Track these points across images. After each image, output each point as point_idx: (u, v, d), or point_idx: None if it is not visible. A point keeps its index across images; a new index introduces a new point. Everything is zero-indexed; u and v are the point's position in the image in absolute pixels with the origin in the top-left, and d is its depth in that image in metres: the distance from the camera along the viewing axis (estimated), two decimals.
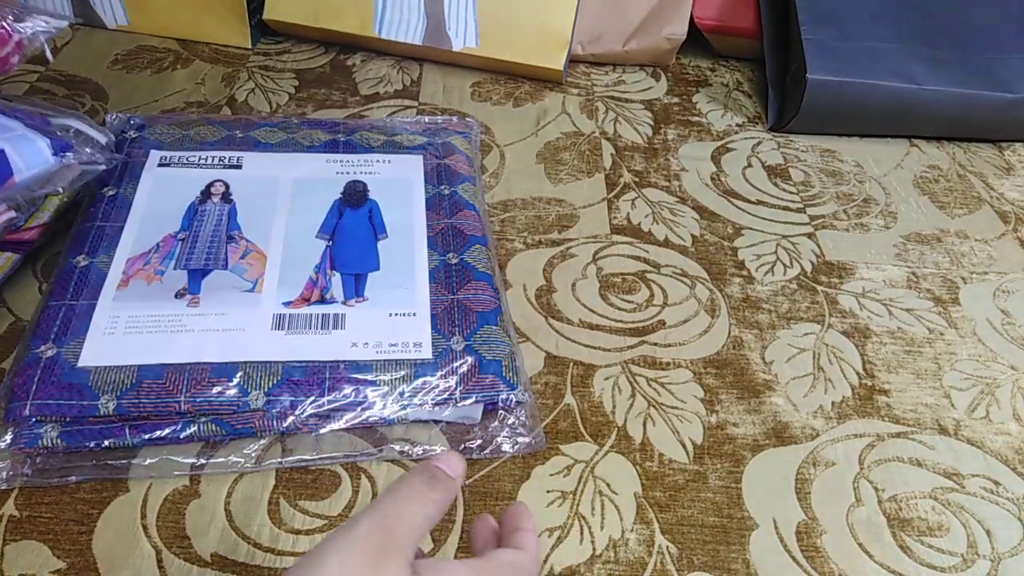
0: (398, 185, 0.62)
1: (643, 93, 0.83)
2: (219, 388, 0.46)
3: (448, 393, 0.48)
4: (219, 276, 0.53)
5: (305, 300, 0.52)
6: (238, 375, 0.47)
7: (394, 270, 0.55)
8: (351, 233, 0.57)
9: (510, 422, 0.49)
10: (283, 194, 0.59)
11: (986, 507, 0.48)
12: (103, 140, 0.56)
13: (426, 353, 0.50)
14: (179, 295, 0.51)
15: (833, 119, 0.78)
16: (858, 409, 0.53)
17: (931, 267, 0.65)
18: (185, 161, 0.61)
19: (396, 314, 0.52)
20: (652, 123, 0.78)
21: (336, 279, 0.54)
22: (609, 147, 0.74)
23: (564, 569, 0.43)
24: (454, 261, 0.56)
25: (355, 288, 0.53)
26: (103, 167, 0.55)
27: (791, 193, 0.71)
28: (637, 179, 0.71)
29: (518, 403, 0.49)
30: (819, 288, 0.62)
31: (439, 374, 0.49)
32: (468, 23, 0.79)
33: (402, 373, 0.49)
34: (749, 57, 0.88)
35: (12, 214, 0.51)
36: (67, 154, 0.51)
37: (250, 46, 0.83)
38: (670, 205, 0.68)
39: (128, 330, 0.48)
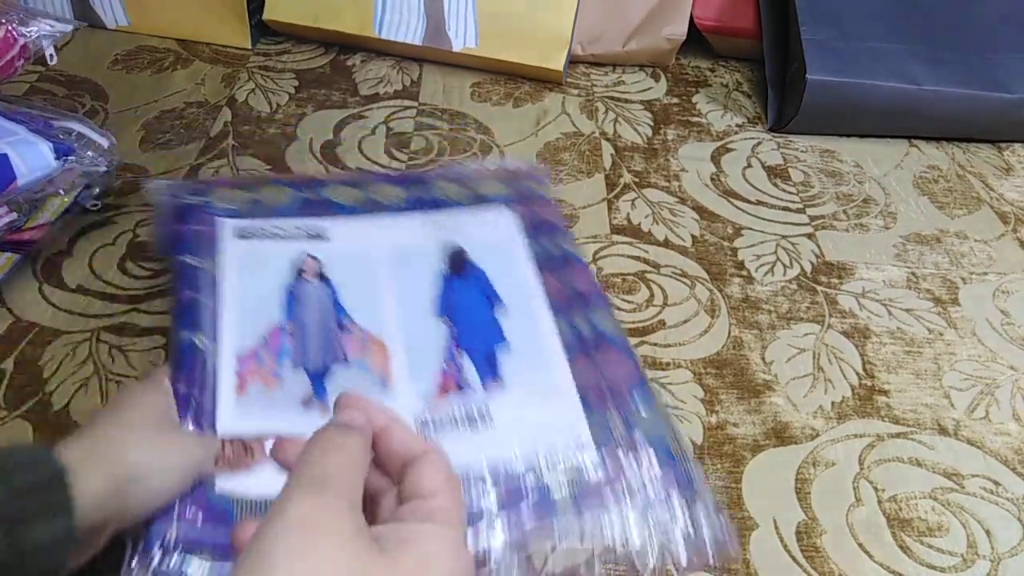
0: (499, 245, 0.55)
1: (643, 93, 0.83)
2: None
3: (611, 487, 0.41)
4: (342, 373, 0.46)
5: (443, 391, 0.46)
6: None
7: (522, 343, 0.49)
8: (468, 306, 0.51)
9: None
10: (383, 269, 0.53)
11: (986, 507, 0.48)
12: (105, 144, 0.56)
13: (586, 446, 0.43)
14: (306, 403, 0.45)
15: (833, 119, 0.78)
16: (858, 409, 0.53)
17: (931, 267, 0.65)
18: (266, 232, 0.53)
19: (538, 395, 0.46)
20: (652, 123, 0.78)
21: (466, 361, 0.48)
22: (609, 147, 0.74)
23: (564, 569, 0.43)
24: (584, 328, 0.50)
25: (488, 368, 0.47)
26: (104, 169, 0.55)
27: (791, 193, 0.71)
28: (637, 179, 0.71)
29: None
30: (819, 288, 0.62)
31: (603, 468, 0.42)
32: (468, 23, 0.79)
33: (565, 473, 0.41)
34: (749, 57, 0.88)
35: (13, 216, 0.51)
36: (69, 158, 0.51)
37: (250, 46, 0.83)
38: (670, 205, 0.68)
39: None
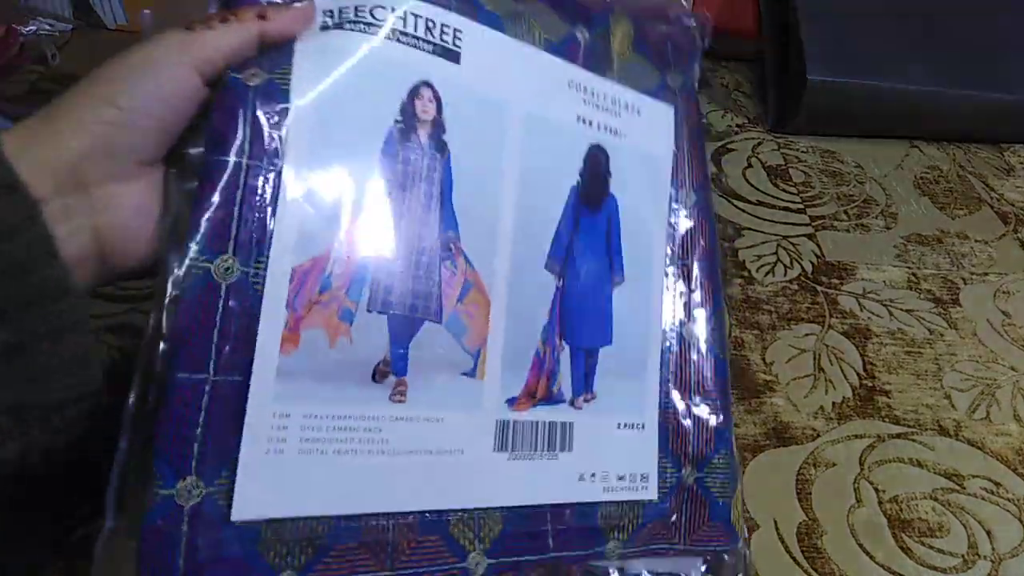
0: (643, 169, 0.40)
1: None
2: (427, 550, 0.32)
3: (668, 542, 0.37)
4: (431, 335, 0.33)
5: (530, 395, 0.35)
6: (451, 527, 0.32)
7: (626, 342, 0.38)
8: (586, 267, 0.38)
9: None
10: (510, 149, 0.35)
11: (987, 508, 0.48)
12: None
13: (652, 492, 0.37)
14: (378, 375, 0.31)
15: (833, 120, 0.78)
16: (858, 410, 0.53)
17: (931, 268, 0.65)
18: (368, 19, 0.32)
19: (624, 425, 0.38)
20: None
21: (564, 355, 0.36)
22: None
23: None
24: (689, 337, 0.40)
25: (585, 373, 0.37)
26: None
27: (791, 194, 0.71)
28: None
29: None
30: (819, 289, 0.62)
31: (666, 519, 0.37)
32: None
33: (626, 518, 0.37)
34: (749, 57, 0.88)
35: None
36: None
37: None
38: None
39: (305, 446, 0.29)
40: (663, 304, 0.40)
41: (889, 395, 0.54)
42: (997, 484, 0.49)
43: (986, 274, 0.65)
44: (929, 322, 0.60)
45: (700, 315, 0.40)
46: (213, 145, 0.29)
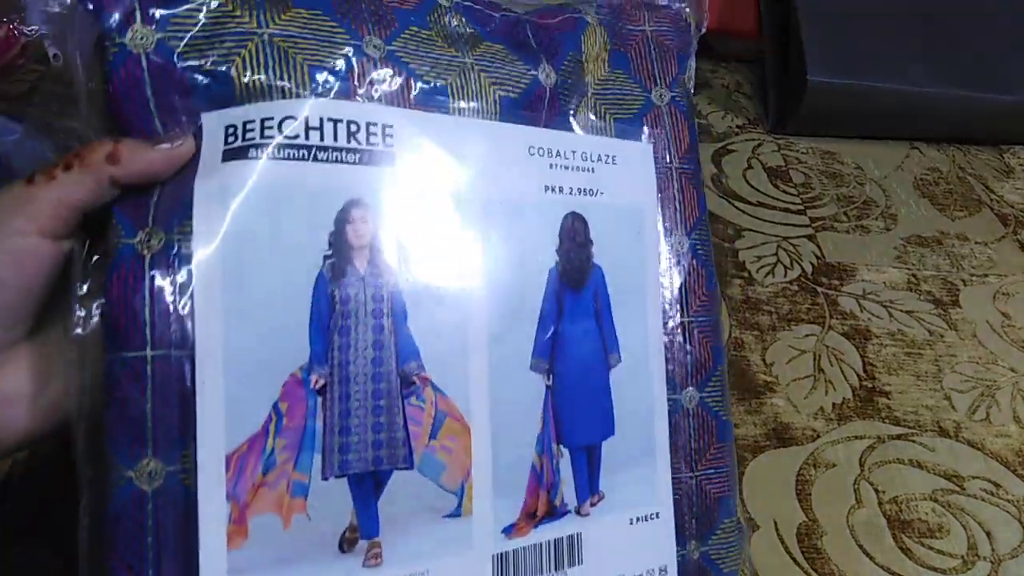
0: (626, 225, 0.35)
1: None
2: None
3: None
4: (403, 484, 0.29)
5: (530, 517, 0.31)
6: None
7: (631, 428, 0.34)
8: (577, 355, 0.33)
9: None
10: (471, 248, 0.31)
11: (986, 509, 0.48)
12: None
13: None
14: (346, 544, 0.28)
15: (833, 121, 0.78)
16: (858, 411, 0.53)
17: (931, 269, 0.65)
18: (276, 136, 0.28)
19: (638, 519, 0.34)
20: None
21: (564, 461, 0.32)
22: None
23: None
24: (691, 404, 0.36)
25: (588, 475, 0.33)
26: None
27: (791, 195, 0.71)
28: None
29: None
30: (819, 290, 0.62)
31: None
32: None
33: None
34: (749, 58, 0.88)
35: None
36: None
37: None
38: None
39: None
40: (664, 372, 0.35)
41: (889, 396, 0.54)
42: (997, 485, 0.49)
43: (986, 276, 0.65)
44: (929, 323, 0.60)
45: (702, 375, 0.36)
46: (110, 341, 0.25)
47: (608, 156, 0.35)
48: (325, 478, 0.27)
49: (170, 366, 0.25)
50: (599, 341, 0.34)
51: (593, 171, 0.34)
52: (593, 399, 0.33)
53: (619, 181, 0.35)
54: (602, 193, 0.35)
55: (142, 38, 0.26)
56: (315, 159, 0.28)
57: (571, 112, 0.35)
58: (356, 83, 0.29)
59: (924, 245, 0.68)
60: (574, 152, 0.34)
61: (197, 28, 0.27)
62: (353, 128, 0.29)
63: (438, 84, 0.31)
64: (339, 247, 0.28)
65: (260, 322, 0.27)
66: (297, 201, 0.28)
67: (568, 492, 0.32)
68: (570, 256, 0.33)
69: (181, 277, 0.26)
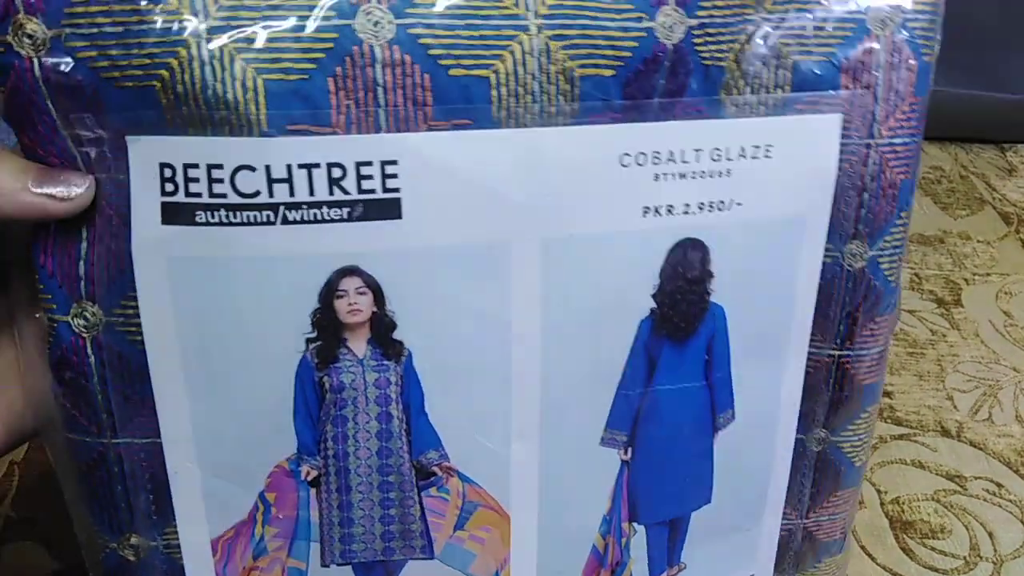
0: (775, 242, 0.26)
1: None
2: None
3: None
4: (420, 571, 0.26)
5: None
6: None
7: (735, 494, 0.28)
8: (671, 419, 0.27)
9: None
10: (519, 305, 0.23)
11: (989, 509, 0.47)
12: None
13: None
14: None
15: None
16: None
17: (933, 268, 0.65)
18: (232, 196, 0.21)
19: None
20: None
21: (637, 539, 0.27)
22: None
23: None
24: (818, 447, 0.29)
25: (668, 549, 0.28)
26: None
27: None
28: None
29: None
30: None
31: None
32: None
33: None
34: None
35: None
36: None
37: None
38: None
39: None
40: (796, 423, 0.28)
41: (891, 396, 0.54)
42: (999, 485, 0.49)
43: (988, 275, 0.65)
44: (931, 323, 0.60)
45: (843, 416, 0.29)
46: (68, 424, 0.23)
47: (760, 147, 0.24)
48: (325, 565, 0.25)
49: (135, 453, 0.23)
50: (705, 401, 0.26)
51: (729, 173, 0.24)
52: (686, 468, 0.27)
53: (770, 183, 0.24)
54: (738, 204, 0.24)
55: (30, 35, 0.20)
56: (285, 221, 0.21)
57: (706, 81, 0.23)
58: (340, 98, 0.21)
59: (926, 244, 0.68)
60: (699, 150, 0.23)
61: (108, 23, 0.20)
62: (336, 174, 0.21)
63: (473, 76, 0.21)
64: (327, 327, 0.22)
65: (235, 412, 0.23)
66: (265, 277, 0.22)
67: (638, 569, 0.28)
68: (674, 300, 0.25)
69: (133, 361, 0.22)
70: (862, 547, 0.45)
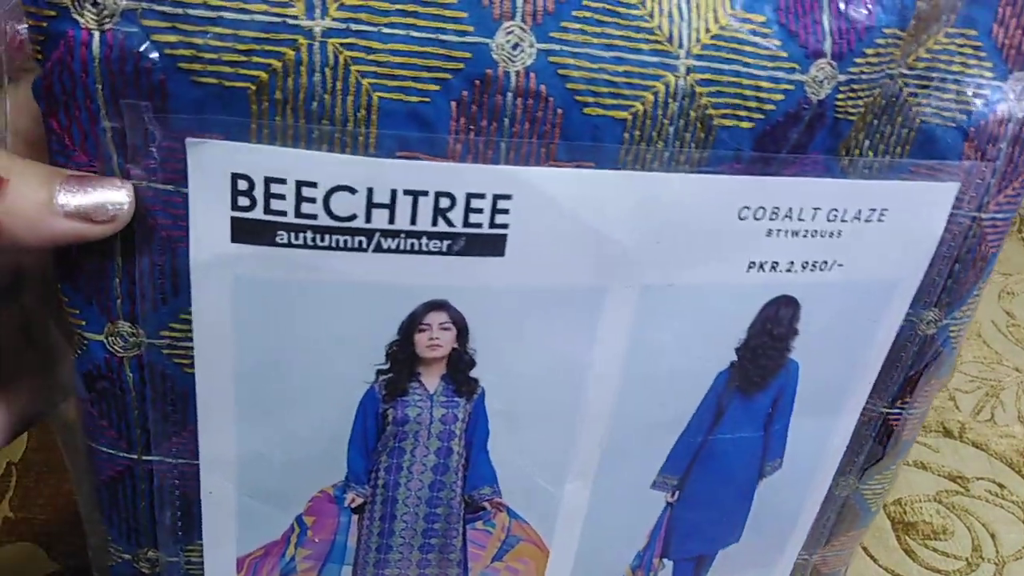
0: (857, 306, 0.25)
1: None
2: None
3: None
4: None
5: None
6: None
7: (761, 534, 0.29)
8: (722, 466, 0.27)
9: None
10: (603, 354, 0.23)
11: (991, 510, 0.47)
12: None
13: None
14: None
15: None
16: None
17: None
18: (320, 217, 0.19)
19: None
20: None
21: (665, 572, 0.28)
22: None
23: None
24: (843, 492, 0.29)
25: None
26: None
27: None
28: None
29: None
30: None
31: None
32: None
33: None
34: None
35: None
36: None
37: None
38: None
39: None
40: (836, 471, 0.29)
41: None
42: (1001, 486, 0.49)
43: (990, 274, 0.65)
44: None
45: (871, 466, 0.29)
46: (92, 435, 0.21)
47: (876, 210, 0.23)
48: None
49: (167, 471, 0.22)
50: (758, 450, 0.26)
51: (839, 235, 0.23)
52: (726, 511, 0.28)
53: (875, 246, 0.23)
54: (839, 265, 0.23)
55: (96, 1, 0.16)
56: (378, 249, 0.19)
57: (831, 135, 0.22)
58: (460, 124, 0.19)
59: None
60: (818, 209, 0.22)
61: (200, 4, 0.17)
62: (444, 204, 0.19)
63: (607, 115, 0.19)
64: (402, 360, 0.21)
65: (286, 438, 0.22)
66: (344, 305, 0.20)
67: None
68: (756, 354, 0.24)
69: (178, 382, 0.20)
70: (864, 548, 0.45)
